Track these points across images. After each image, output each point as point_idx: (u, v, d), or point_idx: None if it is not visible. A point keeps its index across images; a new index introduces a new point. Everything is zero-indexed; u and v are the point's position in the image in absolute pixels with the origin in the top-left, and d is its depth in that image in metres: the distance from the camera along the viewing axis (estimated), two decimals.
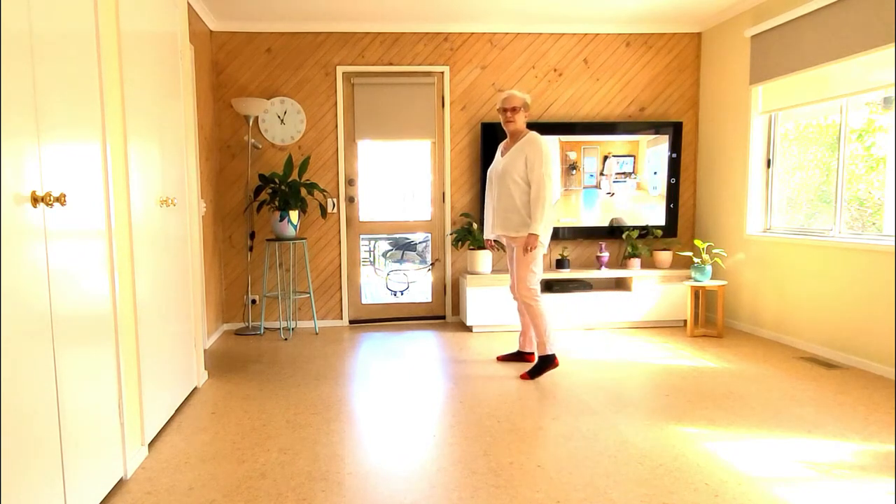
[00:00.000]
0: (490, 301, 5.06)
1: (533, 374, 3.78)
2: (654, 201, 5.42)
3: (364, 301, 5.57)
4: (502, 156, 3.85)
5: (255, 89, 5.23)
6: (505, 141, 3.91)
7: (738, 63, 5.02)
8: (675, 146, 5.38)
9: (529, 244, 3.67)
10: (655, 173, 5.40)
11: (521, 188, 3.74)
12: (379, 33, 5.28)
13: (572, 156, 5.34)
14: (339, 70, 5.27)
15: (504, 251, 5.40)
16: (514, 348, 4.54)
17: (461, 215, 5.47)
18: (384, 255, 6.42)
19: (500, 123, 5.25)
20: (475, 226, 5.16)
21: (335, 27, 5.21)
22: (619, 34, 5.45)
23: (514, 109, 3.75)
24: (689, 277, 5.17)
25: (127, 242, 2.58)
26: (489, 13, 5.00)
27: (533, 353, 4.09)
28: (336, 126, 5.32)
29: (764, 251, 4.78)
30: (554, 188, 3.76)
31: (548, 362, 3.80)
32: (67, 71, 2.03)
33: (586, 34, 5.44)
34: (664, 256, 5.36)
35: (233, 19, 5.05)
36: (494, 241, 4.19)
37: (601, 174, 5.35)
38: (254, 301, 5.37)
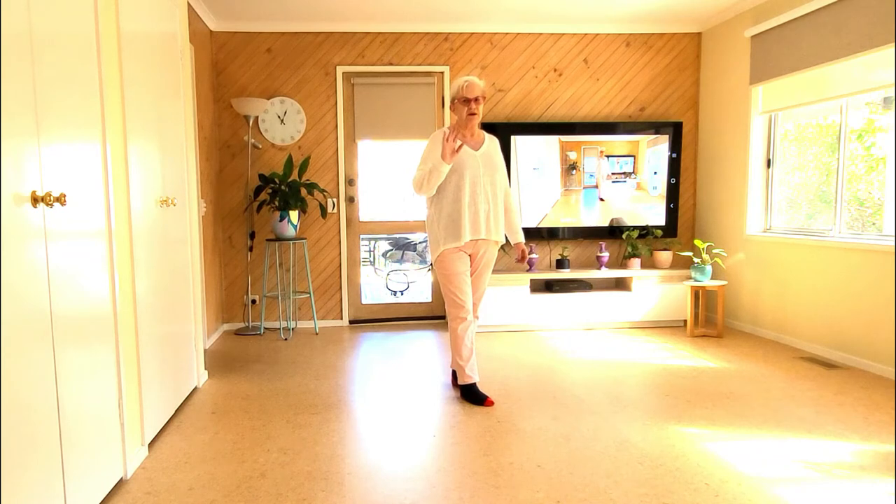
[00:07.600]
0: (490, 301, 5.06)
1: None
2: (653, 201, 5.42)
3: (364, 301, 5.57)
4: (474, 149, 3.37)
5: (255, 89, 5.23)
6: (455, 133, 3.21)
7: (738, 63, 5.02)
8: (675, 146, 5.38)
9: (526, 253, 3.50)
10: (655, 173, 5.40)
11: (501, 191, 3.44)
12: (379, 33, 5.28)
13: (572, 156, 5.34)
14: (339, 70, 5.27)
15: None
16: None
17: None
18: (384, 255, 6.42)
19: (500, 124, 5.25)
20: None
21: (335, 27, 5.21)
22: (619, 34, 5.45)
23: (480, 99, 3.29)
24: (689, 277, 5.16)
25: (127, 242, 2.58)
26: (489, 13, 5.00)
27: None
28: (336, 126, 5.32)
29: (764, 251, 4.78)
30: None
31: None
32: (67, 71, 2.03)
33: (586, 34, 5.44)
34: (664, 256, 5.36)
35: (233, 19, 5.04)
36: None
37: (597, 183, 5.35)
38: (254, 301, 5.37)
